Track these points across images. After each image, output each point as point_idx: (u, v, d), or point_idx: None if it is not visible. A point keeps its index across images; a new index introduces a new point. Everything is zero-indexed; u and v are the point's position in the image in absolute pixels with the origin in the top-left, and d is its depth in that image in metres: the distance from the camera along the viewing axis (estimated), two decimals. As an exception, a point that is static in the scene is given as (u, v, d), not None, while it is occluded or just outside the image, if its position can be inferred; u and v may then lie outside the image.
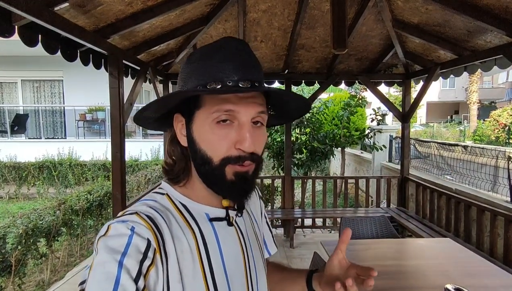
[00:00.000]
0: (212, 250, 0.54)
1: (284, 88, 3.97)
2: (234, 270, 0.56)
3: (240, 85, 0.50)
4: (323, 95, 8.72)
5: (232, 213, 0.60)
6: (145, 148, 7.96)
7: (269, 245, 0.78)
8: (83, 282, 0.44)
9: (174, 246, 0.49)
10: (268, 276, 0.73)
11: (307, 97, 4.09)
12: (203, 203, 0.57)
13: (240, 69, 0.51)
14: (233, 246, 0.58)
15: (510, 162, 3.11)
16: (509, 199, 2.91)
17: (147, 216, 0.49)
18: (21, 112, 8.84)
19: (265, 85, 0.54)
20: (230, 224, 0.59)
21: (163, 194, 0.57)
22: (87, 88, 8.63)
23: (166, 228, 0.50)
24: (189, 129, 0.55)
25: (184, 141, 0.56)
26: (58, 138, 8.80)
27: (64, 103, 9.13)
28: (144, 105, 0.54)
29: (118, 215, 0.50)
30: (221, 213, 0.58)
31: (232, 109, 0.51)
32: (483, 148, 4.25)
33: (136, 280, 0.42)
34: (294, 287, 0.73)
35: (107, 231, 0.46)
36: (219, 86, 0.50)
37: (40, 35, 1.81)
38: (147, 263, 0.44)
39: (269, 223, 0.80)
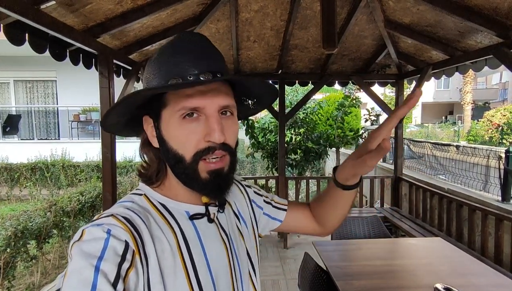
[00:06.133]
0: (194, 248, 0.53)
1: (277, 88, 3.96)
2: (218, 266, 0.55)
3: (202, 78, 0.49)
4: (318, 96, 8.75)
5: (213, 209, 0.59)
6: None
7: (275, 215, 0.76)
8: None
9: (154, 246, 0.48)
10: (315, 211, 0.76)
11: (302, 98, 4.09)
12: (182, 200, 0.57)
13: (198, 62, 0.50)
14: (216, 243, 0.57)
15: (501, 161, 3.13)
16: (500, 198, 2.93)
17: (124, 217, 0.48)
18: (14, 113, 8.74)
19: (227, 75, 0.53)
20: (210, 220, 0.58)
21: (140, 194, 0.57)
22: (81, 89, 8.55)
23: (145, 229, 0.49)
24: (158, 129, 0.54)
25: (155, 143, 0.56)
26: (51, 139, 8.71)
27: (57, 104, 9.04)
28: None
29: (93, 219, 0.49)
30: (201, 209, 0.58)
31: (198, 106, 0.50)
32: (475, 148, 4.28)
33: (114, 284, 0.40)
34: (335, 200, 0.70)
35: (81, 236, 0.44)
36: (179, 82, 0.49)
37: (27, 34, 1.78)
38: (125, 265, 0.43)
39: (266, 199, 0.77)
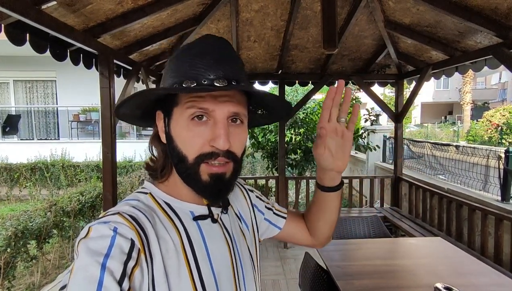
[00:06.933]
0: (197, 248, 0.53)
1: (278, 88, 3.97)
2: (221, 266, 0.56)
3: (216, 84, 0.49)
4: (318, 96, 8.75)
5: (216, 210, 0.60)
6: (139, 148, 7.92)
7: (275, 222, 0.77)
8: (63, 287, 0.42)
9: (159, 245, 0.49)
10: (306, 219, 0.78)
11: (302, 98, 4.09)
12: (187, 200, 0.57)
13: (215, 67, 0.50)
14: (219, 243, 0.58)
15: (500, 161, 3.13)
16: (499, 198, 2.94)
17: (130, 216, 0.48)
18: (13, 113, 8.73)
19: (243, 84, 0.53)
20: (214, 221, 0.59)
21: (146, 193, 0.57)
22: (80, 89, 8.55)
23: (150, 228, 0.49)
24: (168, 126, 0.54)
25: (164, 139, 0.56)
26: (51, 139, 8.70)
27: (57, 104, 9.03)
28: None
29: (99, 216, 0.49)
30: (205, 210, 0.58)
31: (207, 107, 0.50)
32: (474, 148, 4.29)
33: (120, 282, 0.41)
34: (318, 203, 0.72)
35: (87, 233, 0.44)
36: (193, 85, 0.49)
37: (28, 34, 1.78)
38: (131, 263, 0.43)
39: (267, 204, 0.78)
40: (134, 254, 0.44)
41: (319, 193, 0.69)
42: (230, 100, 0.51)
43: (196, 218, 0.56)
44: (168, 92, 0.52)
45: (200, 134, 0.51)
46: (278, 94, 0.63)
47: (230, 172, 0.54)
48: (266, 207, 0.77)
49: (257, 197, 0.77)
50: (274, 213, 0.78)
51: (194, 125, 0.51)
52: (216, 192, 0.54)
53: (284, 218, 0.78)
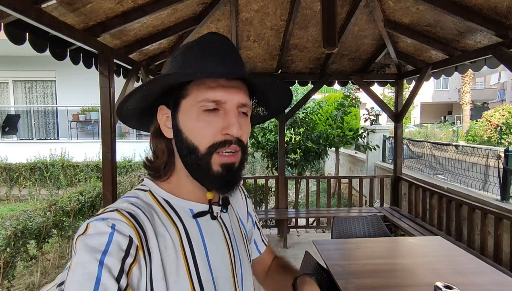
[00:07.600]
0: (196, 246, 0.54)
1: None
2: (220, 265, 0.56)
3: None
4: (318, 96, 8.76)
5: (216, 209, 0.60)
6: (138, 148, 7.90)
7: (258, 244, 0.79)
8: (61, 284, 0.42)
9: (158, 243, 0.49)
10: (269, 274, 0.78)
11: (301, 98, 4.09)
12: (187, 198, 0.57)
13: (224, 61, 0.52)
14: (218, 241, 0.58)
15: (500, 160, 3.14)
16: (499, 197, 2.94)
17: (129, 212, 0.48)
18: (13, 113, 8.72)
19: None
20: (213, 217, 0.59)
21: (145, 190, 0.57)
22: (80, 89, 8.54)
23: (149, 225, 0.49)
24: (175, 119, 0.54)
25: (168, 133, 0.56)
26: (50, 139, 8.68)
27: (56, 104, 9.02)
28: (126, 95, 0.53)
29: (98, 213, 0.49)
30: (205, 207, 0.58)
31: (219, 99, 0.51)
32: (474, 147, 4.29)
33: (118, 279, 0.41)
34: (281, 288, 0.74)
35: (86, 229, 0.45)
36: (208, 72, 0.51)
37: (27, 33, 1.78)
38: (129, 260, 0.43)
39: (257, 222, 0.80)
40: (132, 251, 0.44)
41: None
42: (239, 91, 0.53)
43: (196, 216, 0.56)
44: (187, 78, 0.52)
45: (212, 124, 0.51)
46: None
47: (238, 161, 0.55)
48: (256, 223, 0.79)
49: (253, 209, 0.79)
50: (261, 235, 0.80)
51: (205, 116, 0.51)
52: (225, 184, 0.54)
53: (266, 245, 0.81)
